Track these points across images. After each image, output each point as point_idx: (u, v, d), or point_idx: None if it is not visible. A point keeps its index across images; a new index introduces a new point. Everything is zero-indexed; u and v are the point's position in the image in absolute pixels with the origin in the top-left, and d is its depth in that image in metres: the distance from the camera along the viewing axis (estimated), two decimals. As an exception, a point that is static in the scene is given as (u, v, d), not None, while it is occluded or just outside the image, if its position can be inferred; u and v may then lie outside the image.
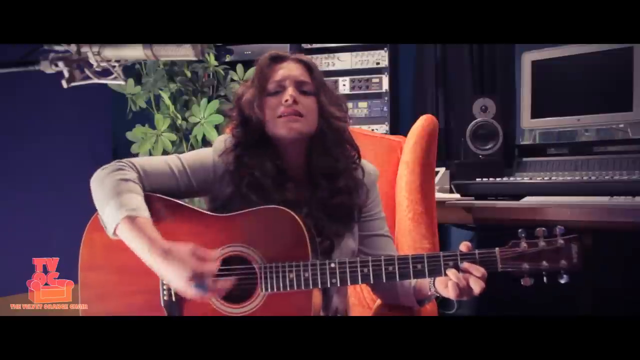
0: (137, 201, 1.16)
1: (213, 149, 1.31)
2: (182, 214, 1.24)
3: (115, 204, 1.14)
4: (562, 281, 1.11)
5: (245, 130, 1.29)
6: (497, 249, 1.14)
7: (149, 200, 1.20)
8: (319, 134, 1.29)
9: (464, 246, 1.15)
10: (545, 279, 1.12)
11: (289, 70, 1.29)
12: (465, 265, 1.13)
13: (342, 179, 1.29)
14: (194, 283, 1.10)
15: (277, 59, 1.31)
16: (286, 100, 1.24)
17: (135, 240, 1.13)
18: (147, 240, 1.12)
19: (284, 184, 1.27)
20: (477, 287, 1.11)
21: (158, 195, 1.23)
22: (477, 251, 1.14)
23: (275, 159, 1.27)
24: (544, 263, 1.12)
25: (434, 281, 1.21)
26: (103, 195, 1.17)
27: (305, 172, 1.31)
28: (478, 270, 1.12)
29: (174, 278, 1.11)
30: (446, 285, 1.14)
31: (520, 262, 1.12)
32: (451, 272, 1.13)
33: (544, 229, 1.13)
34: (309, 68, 1.31)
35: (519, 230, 1.13)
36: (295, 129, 1.25)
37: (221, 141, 1.31)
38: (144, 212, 1.15)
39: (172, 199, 1.24)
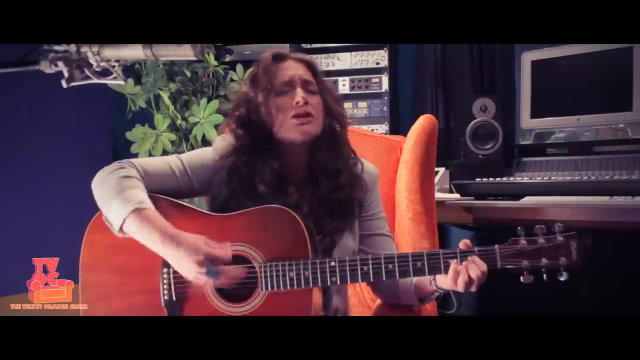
0: (142, 196, 1.16)
1: (213, 149, 1.31)
2: (182, 213, 1.23)
3: (120, 200, 1.14)
4: (562, 278, 1.12)
5: (249, 132, 1.28)
6: (496, 246, 1.14)
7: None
8: (324, 133, 1.29)
9: (462, 244, 1.16)
10: (545, 276, 1.12)
11: (295, 69, 1.28)
12: (469, 259, 1.13)
13: (344, 175, 1.30)
14: (205, 268, 1.10)
15: (279, 58, 1.30)
16: (297, 102, 1.24)
17: (144, 232, 1.13)
18: (157, 230, 1.12)
19: (283, 189, 1.26)
20: (474, 274, 1.10)
21: (158, 195, 1.23)
22: (476, 248, 1.14)
23: (276, 165, 1.26)
24: (544, 260, 1.12)
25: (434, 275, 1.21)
26: (106, 193, 1.16)
27: (305, 173, 1.31)
28: (480, 265, 1.12)
29: (186, 263, 1.11)
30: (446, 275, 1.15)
31: (520, 259, 1.13)
32: (452, 262, 1.13)
33: (542, 226, 1.14)
34: (312, 67, 1.31)
35: (518, 228, 1.14)
36: (308, 132, 1.24)
37: (221, 141, 1.31)
38: (150, 205, 1.16)
39: (171, 199, 1.24)
